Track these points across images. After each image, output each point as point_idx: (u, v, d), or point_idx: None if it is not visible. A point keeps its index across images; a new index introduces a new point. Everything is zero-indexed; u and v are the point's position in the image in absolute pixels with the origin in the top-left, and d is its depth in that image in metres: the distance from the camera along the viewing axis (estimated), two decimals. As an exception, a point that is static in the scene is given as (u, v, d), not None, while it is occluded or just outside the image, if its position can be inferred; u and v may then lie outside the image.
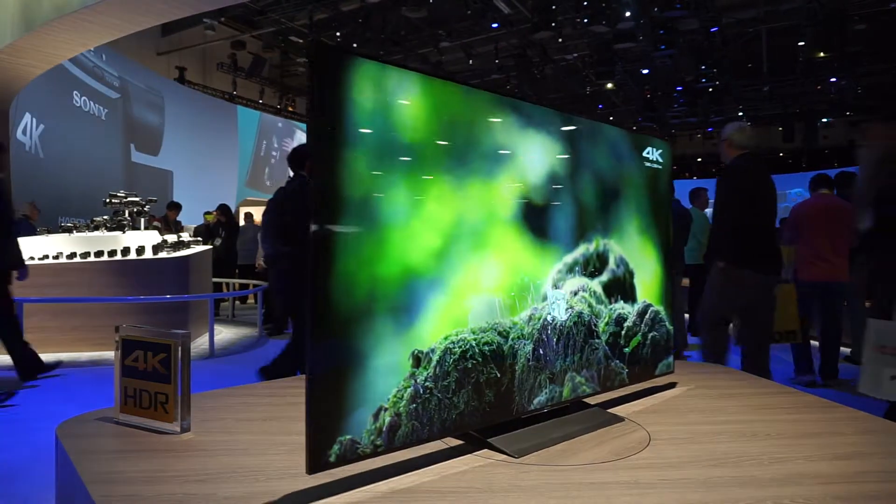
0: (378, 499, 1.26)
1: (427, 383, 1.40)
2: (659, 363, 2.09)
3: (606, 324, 1.87)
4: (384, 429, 1.33)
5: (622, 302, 1.94)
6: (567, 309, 1.74)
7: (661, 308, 2.09)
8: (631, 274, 1.97)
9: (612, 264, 1.89)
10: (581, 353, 1.78)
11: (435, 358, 1.43)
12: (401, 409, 1.35)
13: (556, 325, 1.71)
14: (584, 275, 1.80)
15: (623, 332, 1.94)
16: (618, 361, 1.91)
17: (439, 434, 1.44)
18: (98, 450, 1.53)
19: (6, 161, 4.39)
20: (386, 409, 1.33)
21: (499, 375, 1.58)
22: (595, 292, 1.83)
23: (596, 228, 1.85)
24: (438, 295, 1.42)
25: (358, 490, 1.29)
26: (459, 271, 1.47)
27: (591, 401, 1.89)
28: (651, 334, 2.04)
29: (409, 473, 1.40)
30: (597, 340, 1.82)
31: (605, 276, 1.87)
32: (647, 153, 2.09)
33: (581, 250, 1.78)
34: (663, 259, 2.13)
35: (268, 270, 8.00)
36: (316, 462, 1.21)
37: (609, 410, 1.86)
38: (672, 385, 2.22)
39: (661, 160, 2.14)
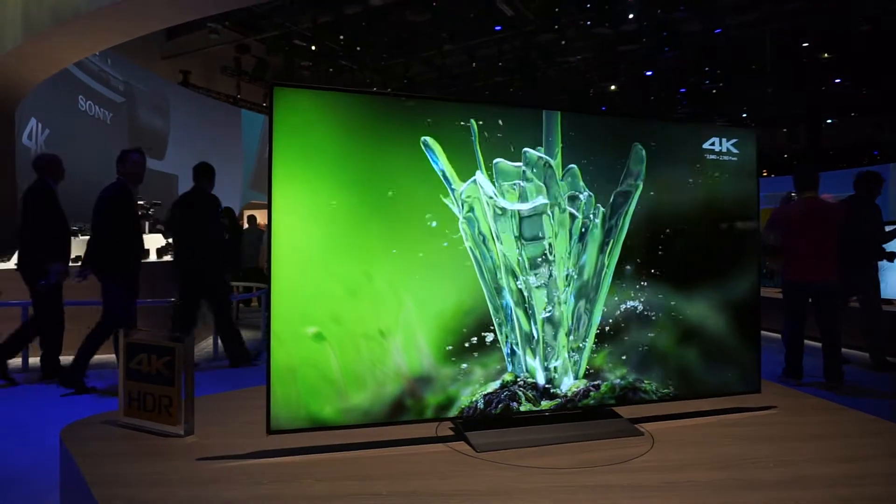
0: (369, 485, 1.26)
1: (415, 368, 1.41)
2: (725, 380, 1.88)
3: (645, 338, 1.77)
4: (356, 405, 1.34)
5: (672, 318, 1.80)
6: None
7: (729, 322, 1.87)
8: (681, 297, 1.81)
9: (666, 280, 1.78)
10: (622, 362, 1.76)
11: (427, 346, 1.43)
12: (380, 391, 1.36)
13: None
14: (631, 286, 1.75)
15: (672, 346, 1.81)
16: (643, 375, 1.79)
17: (421, 419, 1.50)
18: (102, 452, 1.54)
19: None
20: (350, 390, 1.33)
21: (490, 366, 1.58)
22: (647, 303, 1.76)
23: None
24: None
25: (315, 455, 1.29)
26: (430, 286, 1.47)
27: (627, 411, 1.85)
28: (710, 350, 1.84)
29: (400, 448, 1.40)
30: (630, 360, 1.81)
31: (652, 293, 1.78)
32: (712, 144, 1.87)
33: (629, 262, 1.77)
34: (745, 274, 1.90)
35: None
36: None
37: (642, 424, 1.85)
38: (768, 407, 1.95)
39: (736, 151, 1.90)
